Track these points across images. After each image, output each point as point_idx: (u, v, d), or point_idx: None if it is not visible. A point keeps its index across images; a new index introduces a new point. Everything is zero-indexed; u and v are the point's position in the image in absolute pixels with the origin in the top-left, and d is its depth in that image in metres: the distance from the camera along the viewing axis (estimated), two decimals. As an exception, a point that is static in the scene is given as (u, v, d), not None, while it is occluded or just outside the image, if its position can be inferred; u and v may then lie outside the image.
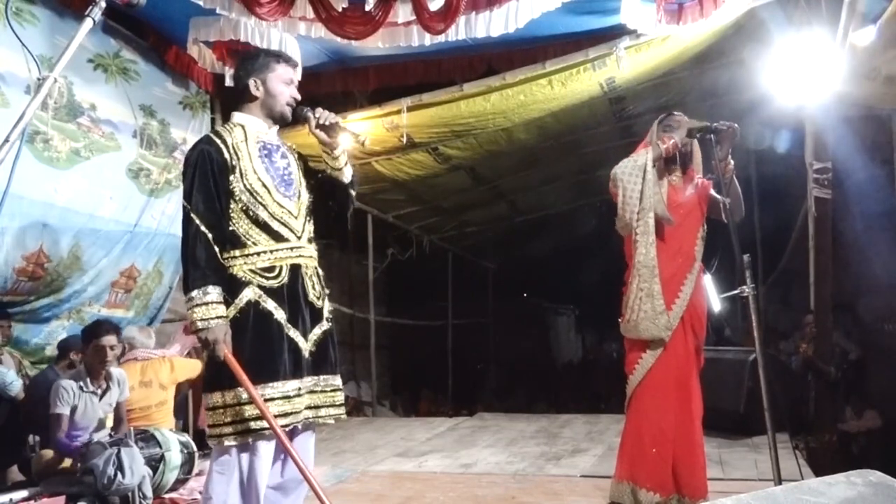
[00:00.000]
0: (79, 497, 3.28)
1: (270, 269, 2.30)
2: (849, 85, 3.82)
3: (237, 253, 2.30)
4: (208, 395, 2.28)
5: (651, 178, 3.01)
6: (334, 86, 5.79)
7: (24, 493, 3.42)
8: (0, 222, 4.08)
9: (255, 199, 2.31)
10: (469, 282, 12.74)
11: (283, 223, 2.35)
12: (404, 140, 5.92)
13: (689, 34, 4.85)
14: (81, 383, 3.78)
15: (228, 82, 5.23)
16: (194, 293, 2.19)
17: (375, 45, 4.64)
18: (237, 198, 2.30)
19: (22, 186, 4.20)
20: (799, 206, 6.35)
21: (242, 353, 2.21)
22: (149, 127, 5.29)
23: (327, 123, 2.43)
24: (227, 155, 2.30)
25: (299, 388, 2.28)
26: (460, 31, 4.40)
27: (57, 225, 4.56)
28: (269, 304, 2.27)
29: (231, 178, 2.30)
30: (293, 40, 4.79)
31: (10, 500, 3.32)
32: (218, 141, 2.32)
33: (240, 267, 2.29)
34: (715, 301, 3.56)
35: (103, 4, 1.61)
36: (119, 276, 5.28)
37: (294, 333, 2.30)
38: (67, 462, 3.60)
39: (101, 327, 3.91)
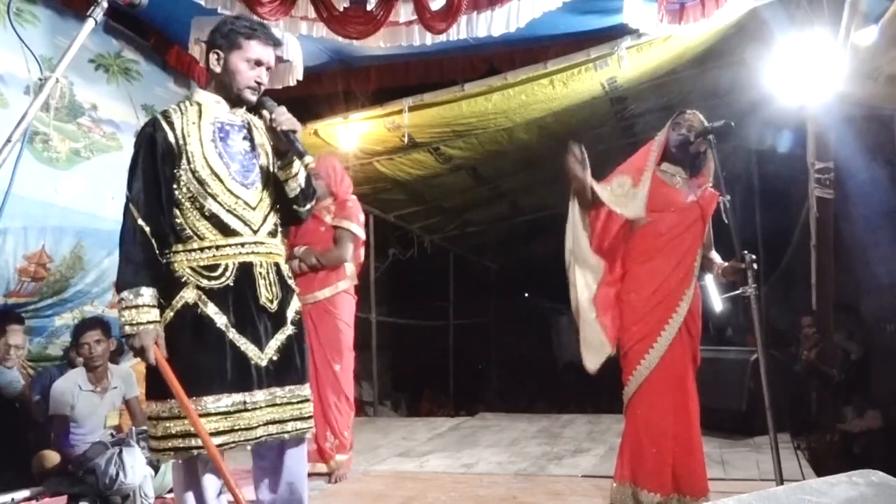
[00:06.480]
0: (80, 497, 3.28)
1: (213, 267, 2.06)
2: (851, 85, 3.81)
3: (179, 248, 2.08)
4: (147, 403, 2.08)
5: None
6: (336, 85, 5.77)
7: (25, 493, 3.41)
8: (2, 223, 4.08)
9: (203, 187, 2.07)
10: (470, 282, 12.73)
11: (236, 215, 2.10)
12: (406, 140, 5.92)
13: (690, 34, 4.85)
14: (80, 382, 3.79)
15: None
16: (125, 294, 2.00)
17: (377, 44, 4.63)
18: (183, 187, 2.07)
19: (22, 187, 4.19)
20: (800, 206, 6.34)
21: (178, 362, 2.00)
22: (150, 127, 5.28)
23: (277, 129, 2.10)
24: (172, 138, 2.07)
25: (244, 403, 2.04)
26: (461, 30, 4.40)
27: (58, 225, 4.56)
28: (210, 308, 2.04)
29: (177, 164, 2.07)
30: (294, 40, 4.80)
31: (12, 499, 3.32)
32: (164, 123, 2.09)
33: (180, 264, 2.07)
34: (716, 301, 3.56)
35: (105, 4, 1.61)
36: (123, 276, 5.28)
37: (242, 341, 2.06)
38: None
39: (83, 324, 3.93)
